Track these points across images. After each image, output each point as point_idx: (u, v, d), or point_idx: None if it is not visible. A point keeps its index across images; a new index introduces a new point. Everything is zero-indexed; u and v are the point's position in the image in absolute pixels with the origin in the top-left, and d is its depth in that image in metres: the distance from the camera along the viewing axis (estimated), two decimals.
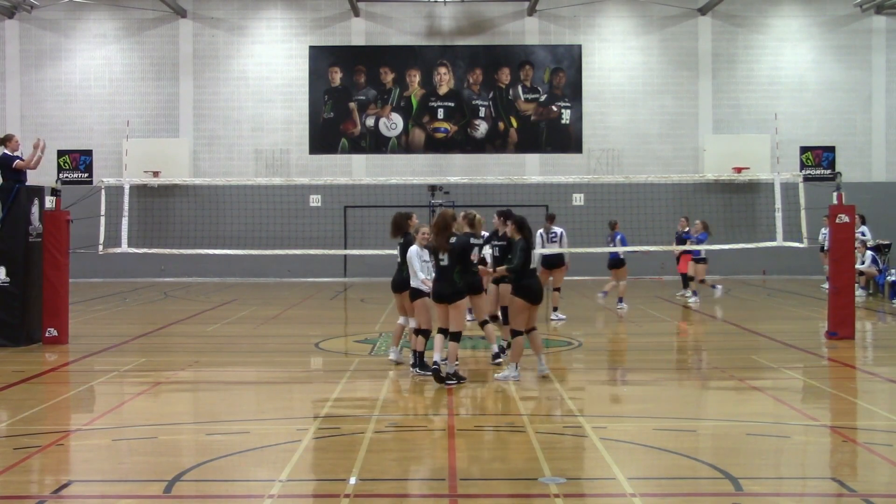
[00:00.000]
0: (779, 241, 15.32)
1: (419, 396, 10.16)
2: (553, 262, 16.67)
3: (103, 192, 15.46)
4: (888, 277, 20.34)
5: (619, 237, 18.62)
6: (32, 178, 14.62)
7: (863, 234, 21.28)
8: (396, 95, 28.68)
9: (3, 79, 28.52)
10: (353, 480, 6.76)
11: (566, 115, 28.67)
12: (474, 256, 11.43)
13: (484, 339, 12.38)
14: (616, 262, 18.79)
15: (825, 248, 21.53)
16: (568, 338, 14.71)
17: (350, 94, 28.67)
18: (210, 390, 10.51)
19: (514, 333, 10.67)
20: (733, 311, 18.50)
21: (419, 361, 11.09)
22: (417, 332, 11.15)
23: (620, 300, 18.69)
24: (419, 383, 10.92)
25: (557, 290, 17.05)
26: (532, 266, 10.79)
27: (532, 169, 28.33)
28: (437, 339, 10.77)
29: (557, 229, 16.71)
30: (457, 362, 10.63)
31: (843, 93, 28.70)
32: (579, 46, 28.72)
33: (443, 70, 28.67)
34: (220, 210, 25.50)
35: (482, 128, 28.68)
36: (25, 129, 27.65)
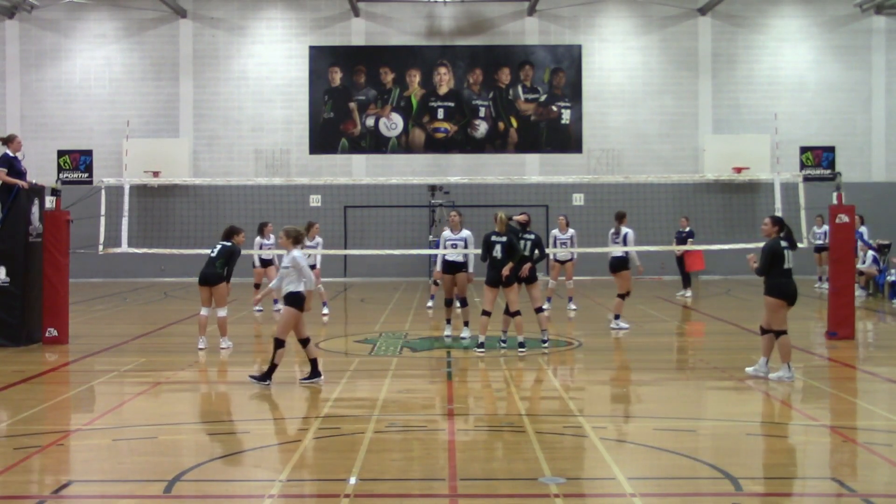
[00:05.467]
0: None
1: (419, 396, 10.16)
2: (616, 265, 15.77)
3: (103, 192, 15.46)
4: (888, 277, 20.34)
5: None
6: (33, 179, 14.62)
7: (861, 237, 21.25)
8: (396, 95, 28.68)
9: (3, 79, 28.51)
10: (353, 480, 6.76)
11: (566, 115, 28.66)
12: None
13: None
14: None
15: (821, 247, 21.68)
16: (568, 338, 14.71)
17: (350, 94, 28.67)
18: (210, 390, 10.51)
19: (778, 333, 10.74)
20: (733, 311, 18.49)
21: (270, 372, 10.58)
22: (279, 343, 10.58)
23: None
24: (420, 383, 10.92)
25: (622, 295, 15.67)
26: (787, 266, 10.78)
27: (532, 169, 28.33)
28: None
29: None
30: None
31: (843, 93, 28.69)
32: (579, 46, 28.72)
33: (443, 70, 28.67)
34: (220, 210, 25.50)
35: (482, 128, 28.68)
36: (25, 129, 27.64)
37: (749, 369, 11.04)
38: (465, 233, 14.33)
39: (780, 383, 10.51)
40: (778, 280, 10.73)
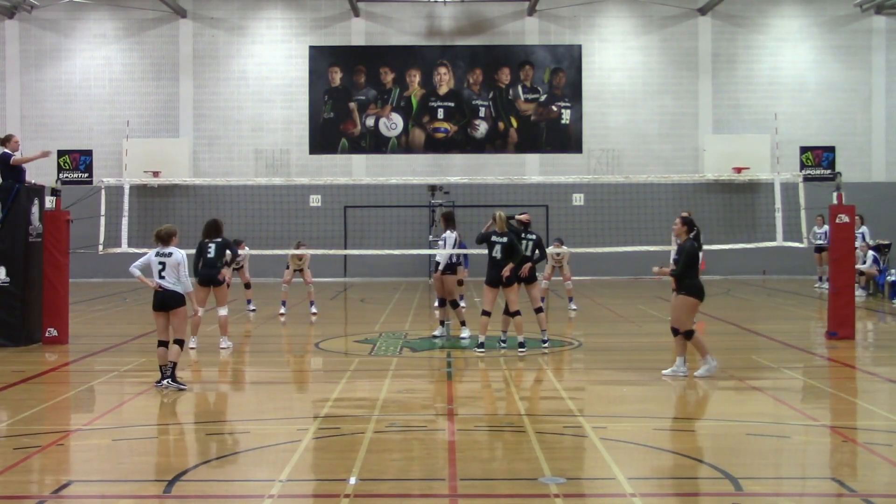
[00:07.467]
0: (779, 241, 15.32)
1: (419, 396, 10.16)
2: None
3: (103, 192, 15.46)
4: (888, 277, 20.34)
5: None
6: (32, 179, 14.63)
7: (863, 237, 21.26)
8: (396, 95, 28.68)
9: (3, 79, 28.51)
10: (353, 480, 6.77)
11: (566, 115, 28.66)
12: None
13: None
14: None
15: (821, 247, 21.68)
16: (568, 338, 14.71)
17: (350, 94, 28.66)
18: (210, 390, 10.51)
19: (688, 335, 10.96)
20: (733, 311, 18.49)
21: (172, 373, 10.43)
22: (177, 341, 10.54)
23: None
24: (420, 383, 10.92)
25: None
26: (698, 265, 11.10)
27: (532, 169, 28.33)
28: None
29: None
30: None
31: (843, 93, 28.69)
32: (579, 46, 28.71)
33: (443, 70, 28.67)
34: (220, 210, 25.38)
35: (482, 128, 28.68)
36: (25, 129, 27.65)
37: (667, 371, 11.08)
38: (446, 234, 14.24)
39: (778, 383, 10.50)
40: (694, 281, 10.95)
